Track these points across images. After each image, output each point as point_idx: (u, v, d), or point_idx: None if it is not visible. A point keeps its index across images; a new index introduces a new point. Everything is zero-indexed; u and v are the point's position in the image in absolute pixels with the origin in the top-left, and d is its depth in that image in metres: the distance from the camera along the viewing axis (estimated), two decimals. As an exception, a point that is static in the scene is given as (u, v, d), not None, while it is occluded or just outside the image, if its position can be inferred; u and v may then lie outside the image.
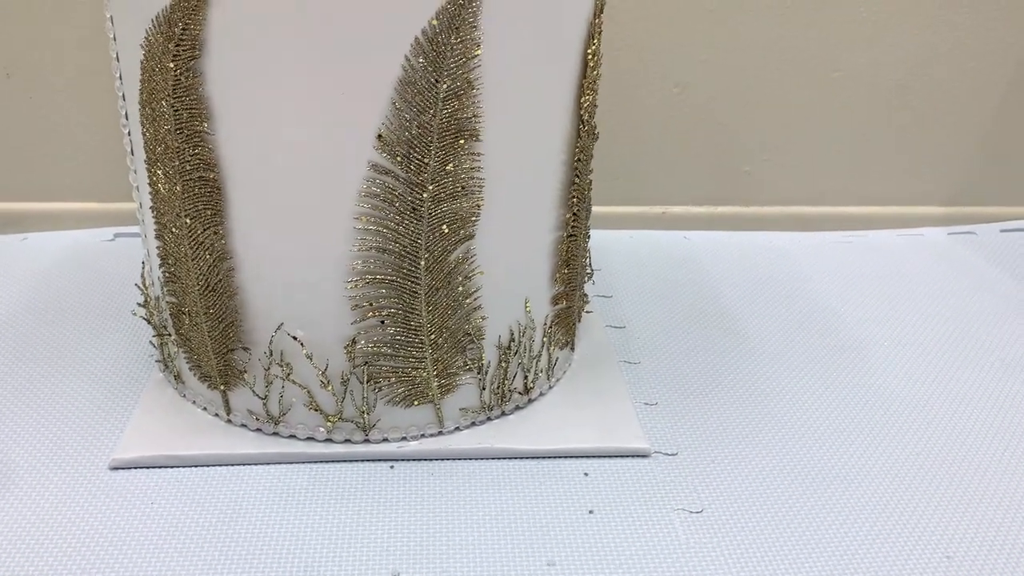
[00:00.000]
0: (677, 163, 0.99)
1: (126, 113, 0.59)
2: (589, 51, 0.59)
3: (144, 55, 0.53)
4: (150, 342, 0.68)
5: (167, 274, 0.60)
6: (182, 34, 0.50)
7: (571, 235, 0.64)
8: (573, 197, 0.62)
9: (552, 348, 0.66)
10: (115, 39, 0.57)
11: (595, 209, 0.99)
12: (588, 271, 0.74)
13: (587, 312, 0.77)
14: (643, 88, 0.95)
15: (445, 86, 0.51)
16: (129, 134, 0.60)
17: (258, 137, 0.52)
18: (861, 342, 0.78)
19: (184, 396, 0.65)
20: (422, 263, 0.55)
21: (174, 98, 0.52)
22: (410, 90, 0.51)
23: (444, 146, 0.53)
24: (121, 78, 0.58)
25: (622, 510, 0.57)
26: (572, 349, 0.71)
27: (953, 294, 0.88)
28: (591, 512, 0.57)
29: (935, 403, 0.69)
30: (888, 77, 0.96)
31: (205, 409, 0.63)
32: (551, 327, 0.65)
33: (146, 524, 0.55)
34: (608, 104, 0.95)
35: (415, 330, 0.57)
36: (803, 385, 0.71)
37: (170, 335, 0.63)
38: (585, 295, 0.76)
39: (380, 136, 0.52)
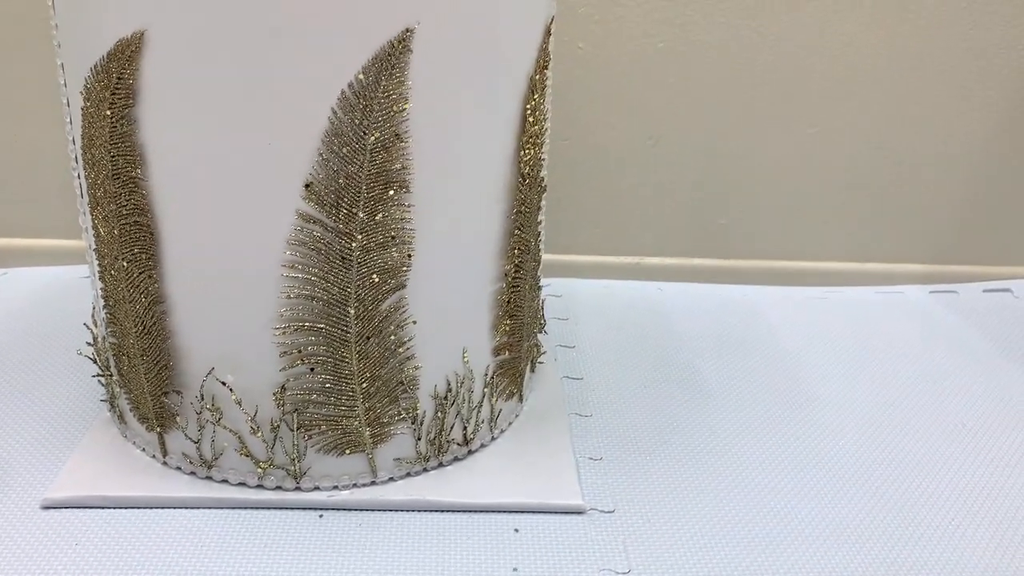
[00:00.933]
0: (653, 214, 0.99)
1: (76, 157, 0.61)
2: (528, 106, 0.59)
3: (84, 102, 0.54)
4: (98, 381, 0.69)
5: (108, 315, 0.61)
6: (118, 83, 0.52)
7: (513, 286, 0.64)
8: (515, 249, 0.62)
9: (495, 399, 0.66)
10: (64, 85, 0.59)
11: (569, 258, 1.00)
12: (541, 322, 0.74)
13: (540, 363, 0.77)
14: (618, 139, 0.95)
15: (373, 138, 0.52)
16: (78, 177, 0.61)
17: (189, 184, 0.53)
18: (817, 400, 0.77)
19: (126, 436, 0.65)
20: (352, 311, 0.56)
21: (111, 144, 0.53)
22: (337, 141, 0.51)
23: (373, 196, 0.53)
24: (71, 122, 0.60)
25: (547, 569, 0.56)
26: (520, 400, 0.71)
27: (923, 354, 0.86)
28: (515, 570, 0.56)
29: (882, 467, 0.68)
30: (866, 134, 0.96)
31: (144, 450, 0.64)
32: (493, 377, 0.65)
33: (70, 565, 0.54)
34: (583, 154, 0.96)
35: (346, 378, 0.57)
36: (752, 443, 0.70)
37: (112, 375, 0.64)
38: (539, 345, 0.76)
39: (308, 185, 0.52)
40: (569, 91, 0.92)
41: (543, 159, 0.64)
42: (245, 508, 0.60)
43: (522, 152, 0.60)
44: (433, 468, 0.63)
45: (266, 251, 0.54)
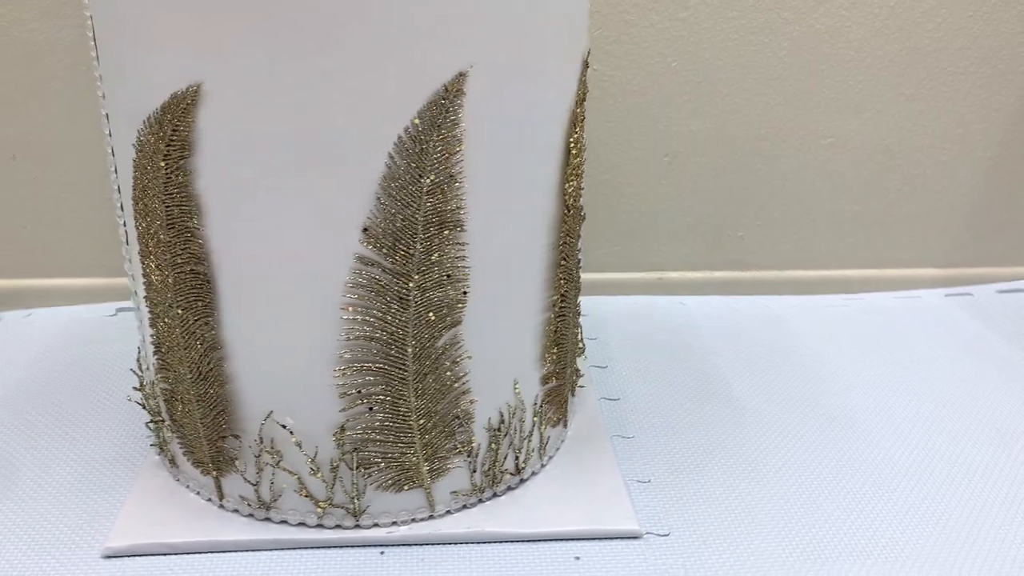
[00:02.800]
0: (672, 229, 1.00)
1: (121, 205, 0.61)
2: (572, 139, 0.60)
3: (136, 154, 0.54)
4: (147, 426, 0.69)
5: (160, 361, 0.61)
6: (172, 134, 0.52)
7: (560, 315, 0.64)
8: (560, 279, 0.63)
9: (543, 427, 0.66)
10: (110, 135, 0.59)
11: (592, 275, 1.01)
12: (580, 345, 0.75)
13: (580, 386, 0.78)
14: (634, 157, 0.96)
15: (428, 180, 0.53)
16: (124, 225, 0.61)
17: (246, 231, 0.54)
18: (855, 411, 0.78)
19: (178, 480, 0.65)
20: (409, 350, 0.56)
21: (165, 195, 0.54)
22: (394, 185, 0.52)
23: (429, 237, 0.54)
24: (116, 172, 0.60)
25: (612, 596, 0.57)
26: (565, 426, 0.71)
27: (949, 358, 0.88)
28: (581, 599, 0.56)
29: (930, 475, 0.69)
30: (877, 142, 0.98)
31: (198, 494, 0.64)
32: (541, 406, 0.66)
33: (136, 616, 0.55)
34: (601, 173, 0.97)
35: (404, 416, 0.58)
36: (797, 458, 0.71)
37: (164, 420, 0.64)
38: (578, 369, 0.77)
39: (366, 229, 0.53)
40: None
41: (583, 189, 0.65)
42: (306, 548, 0.60)
43: (566, 184, 0.61)
44: (488, 499, 0.64)
45: (325, 295, 0.54)
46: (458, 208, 0.54)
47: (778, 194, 0.99)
